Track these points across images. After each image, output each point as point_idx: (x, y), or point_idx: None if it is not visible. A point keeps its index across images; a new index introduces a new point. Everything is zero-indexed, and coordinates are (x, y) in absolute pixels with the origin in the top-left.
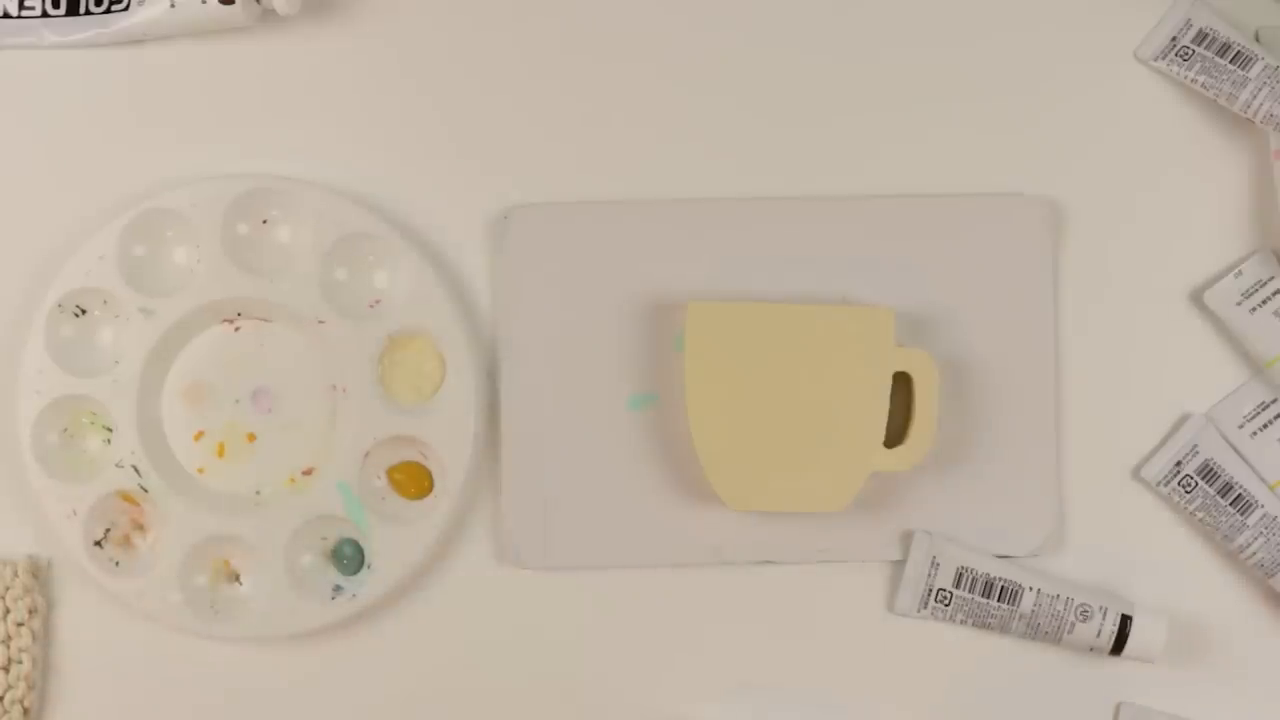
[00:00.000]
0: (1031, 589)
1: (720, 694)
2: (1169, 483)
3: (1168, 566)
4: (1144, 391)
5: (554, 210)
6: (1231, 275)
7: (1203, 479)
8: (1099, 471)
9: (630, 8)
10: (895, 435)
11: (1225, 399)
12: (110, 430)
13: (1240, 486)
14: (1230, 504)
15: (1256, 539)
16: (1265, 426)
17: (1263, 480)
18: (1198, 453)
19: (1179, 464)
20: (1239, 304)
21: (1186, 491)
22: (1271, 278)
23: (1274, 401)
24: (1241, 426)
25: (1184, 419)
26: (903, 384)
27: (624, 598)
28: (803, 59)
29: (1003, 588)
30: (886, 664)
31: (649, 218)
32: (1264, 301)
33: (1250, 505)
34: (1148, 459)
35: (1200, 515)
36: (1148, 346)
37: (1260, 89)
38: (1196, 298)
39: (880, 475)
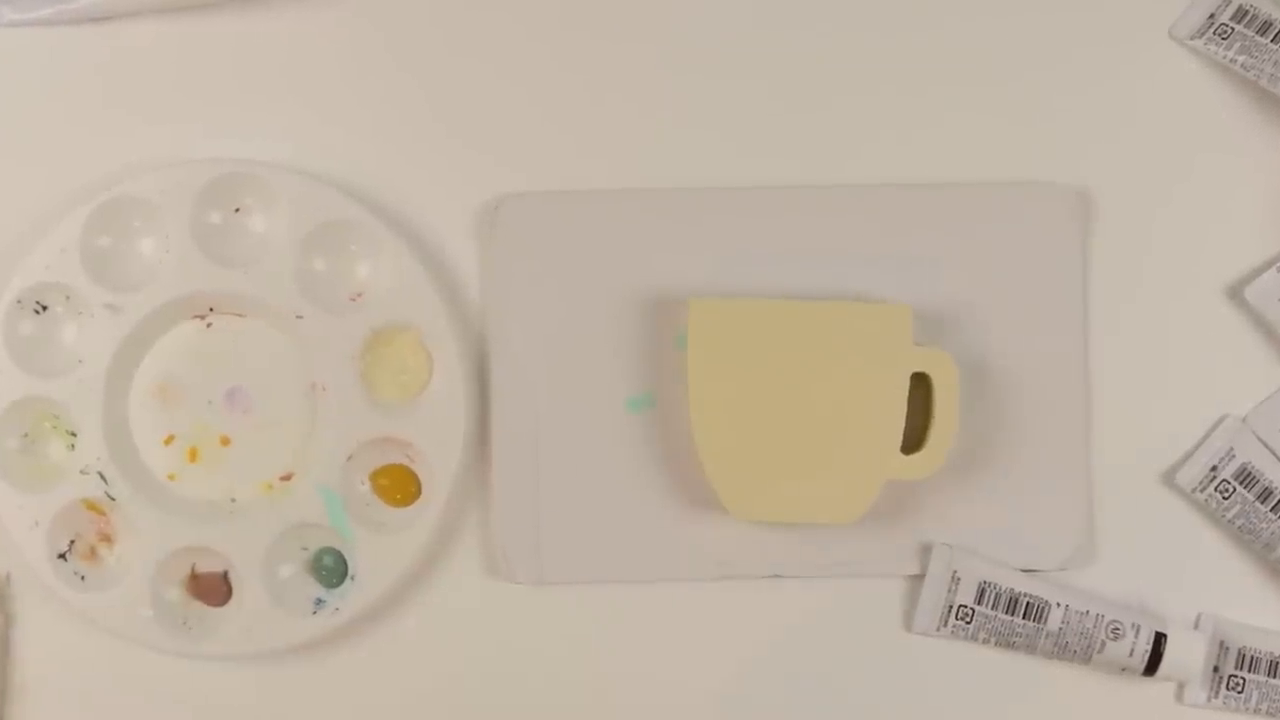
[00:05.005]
0: (1059, 605)
1: (721, 711)
2: (1205, 489)
3: (1204, 579)
4: (1178, 393)
5: (548, 199)
6: (1274, 269)
7: (1241, 484)
8: (1131, 479)
9: None
10: (913, 441)
11: (1266, 401)
12: (74, 435)
13: None
14: (1271, 510)
15: None
16: None
17: None
18: (1234, 456)
19: (1215, 469)
20: None
21: (1224, 498)
22: None
23: None
24: None
25: (1220, 422)
26: (921, 386)
27: (622, 614)
28: (815, 38)
29: (1028, 604)
30: (903, 686)
31: (649, 208)
32: None
33: None
34: (1181, 464)
35: (1239, 523)
36: (1182, 345)
37: None
38: (1235, 293)
39: (897, 483)
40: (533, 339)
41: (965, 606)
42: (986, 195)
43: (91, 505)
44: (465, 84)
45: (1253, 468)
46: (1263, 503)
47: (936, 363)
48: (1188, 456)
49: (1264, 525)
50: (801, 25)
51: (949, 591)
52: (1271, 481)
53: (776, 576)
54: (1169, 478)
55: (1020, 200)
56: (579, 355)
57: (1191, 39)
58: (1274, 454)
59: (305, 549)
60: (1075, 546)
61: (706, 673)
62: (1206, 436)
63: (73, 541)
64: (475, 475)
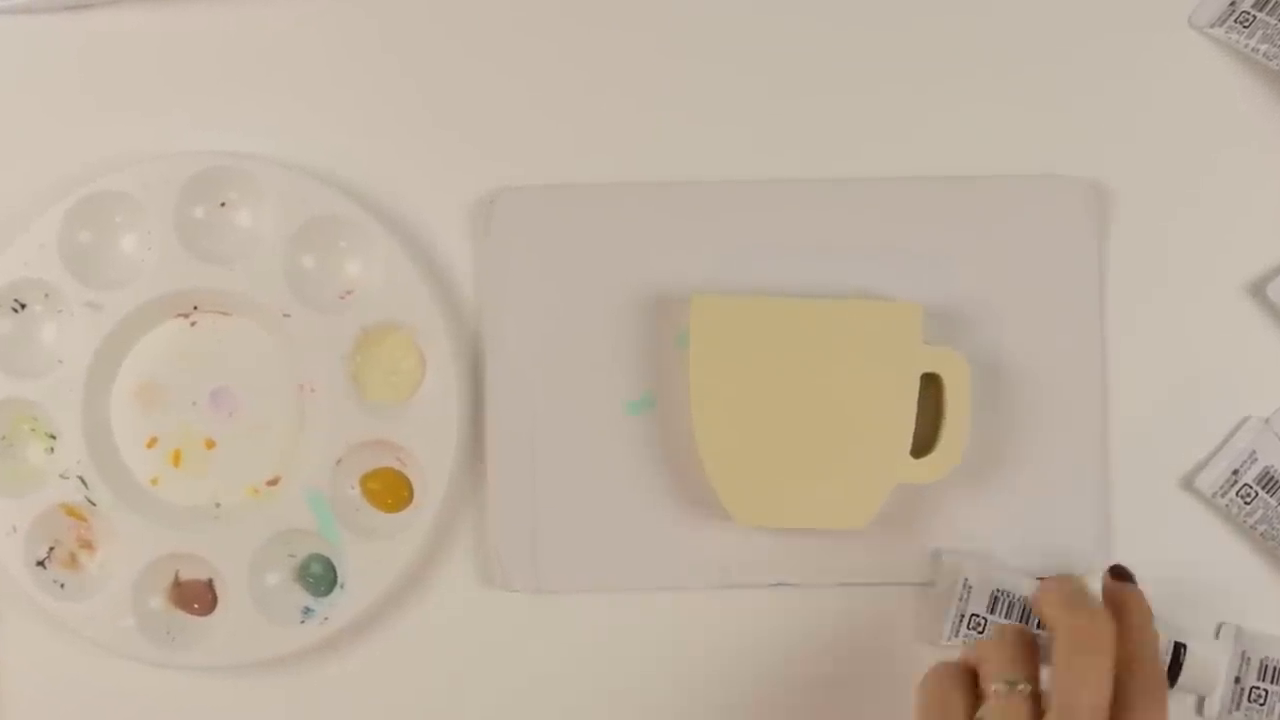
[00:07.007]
0: None
1: None
2: (1226, 493)
3: (1225, 587)
4: (1198, 394)
5: (545, 193)
6: None
7: (1263, 489)
8: (1149, 483)
9: None
10: (923, 443)
11: None
12: (53, 438)
13: None
14: None
15: None
16: None
17: None
18: (1257, 459)
19: (1236, 472)
20: None
21: (1246, 502)
22: None
23: None
24: None
25: (1242, 424)
26: (931, 386)
27: (622, 624)
28: (821, 28)
29: None
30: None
31: (649, 201)
32: None
33: None
34: (1202, 467)
35: (1262, 528)
36: (1203, 344)
37: None
38: (1258, 290)
39: (906, 488)
40: (529, 338)
41: (978, 615)
42: (999, 189)
43: (71, 510)
44: (459, 74)
45: (1276, 471)
46: None
47: (947, 362)
48: (1208, 460)
49: None
50: (807, 13)
51: (960, 600)
52: None
53: (781, 585)
54: (1188, 482)
55: (1034, 194)
56: (577, 355)
57: (1212, 27)
58: None
59: (293, 556)
60: (1091, 553)
61: (709, 684)
62: (1228, 439)
63: (52, 548)
64: (469, 479)
